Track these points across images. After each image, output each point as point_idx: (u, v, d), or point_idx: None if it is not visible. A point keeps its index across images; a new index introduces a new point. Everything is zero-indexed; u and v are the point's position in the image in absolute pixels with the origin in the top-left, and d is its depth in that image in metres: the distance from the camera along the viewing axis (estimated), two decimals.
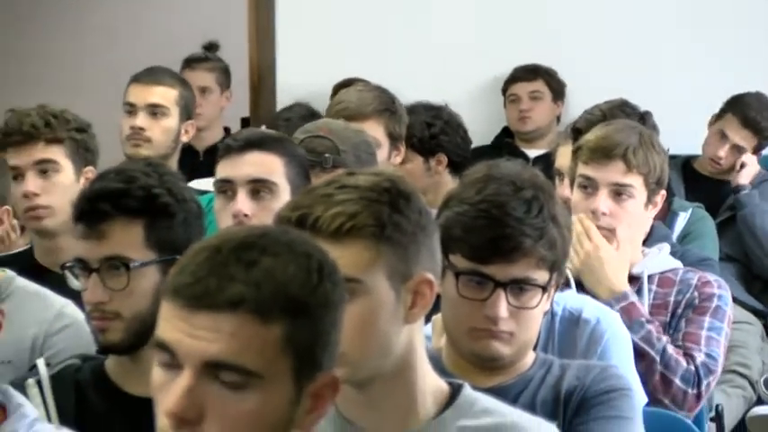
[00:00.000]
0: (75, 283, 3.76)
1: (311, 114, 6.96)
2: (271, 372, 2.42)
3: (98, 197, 3.62)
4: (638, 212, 4.98)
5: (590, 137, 4.99)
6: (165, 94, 6.56)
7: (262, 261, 2.44)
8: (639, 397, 4.14)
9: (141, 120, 6.38)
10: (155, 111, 6.48)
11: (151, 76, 6.66)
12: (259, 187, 4.65)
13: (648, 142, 4.87)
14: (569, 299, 4.32)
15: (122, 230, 3.57)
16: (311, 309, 2.47)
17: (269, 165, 4.72)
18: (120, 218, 3.49)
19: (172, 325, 2.45)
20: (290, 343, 2.43)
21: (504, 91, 8.36)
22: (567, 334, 4.24)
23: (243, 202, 4.61)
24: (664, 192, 5.07)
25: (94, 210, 3.50)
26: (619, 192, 4.88)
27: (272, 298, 2.42)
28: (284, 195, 4.66)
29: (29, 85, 7.83)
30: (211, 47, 8.93)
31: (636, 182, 4.94)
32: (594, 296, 4.44)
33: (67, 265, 3.78)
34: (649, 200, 4.98)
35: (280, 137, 5.08)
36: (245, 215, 4.61)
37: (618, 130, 5.04)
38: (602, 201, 4.74)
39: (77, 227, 3.59)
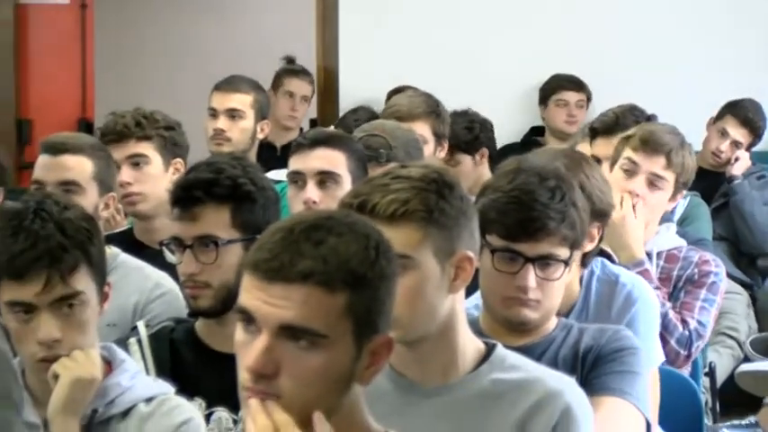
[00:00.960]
0: (171, 257, 3.82)
1: (374, 116, 6.89)
2: (335, 334, 2.44)
3: (192, 185, 3.68)
4: (663, 203, 4.98)
5: (643, 130, 4.99)
6: (242, 100, 6.62)
7: (328, 240, 2.46)
8: (657, 356, 4.23)
9: (222, 122, 6.45)
10: (233, 114, 6.55)
11: (229, 84, 6.72)
12: (325, 178, 4.66)
13: (687, 149, 4.92)
14: (608, 263, 4.33)
15: (212, 213, 3.64)
16: (369, 281, 2.48)
17: (334, 159, 4.74)
18: (211, 203, 3.56)
19: (251, 294, 2.47)
20: (351, 310, 2.45)
21: (546, 96, 8.34)
22: (604, 293, 4.24)
23: (311, 191, 4.65)
24: (685, 192, 5.12)
25: (189, 196, 3.57)
26: (653, 181, 4.89)
27: (336, 271, 2.43)
28: (346, 185, 4.68)
29: (145, 95, 7.84)
30: (290, 60, 8.97)
31: (670, 177, 4.96)
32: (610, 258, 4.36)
33: (165, 242, 3.85)
34: (674, 195, 4.99)
35: (343, 135, 5.12)
36: (314, 202, 4.65)
37: (667, 131, 5.04)
38: (639, 185, 4.75)
39: (174, 210, 3.66)
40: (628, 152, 4.83)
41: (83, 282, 3.24)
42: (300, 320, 2.42)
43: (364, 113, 7.08)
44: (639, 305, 4.21)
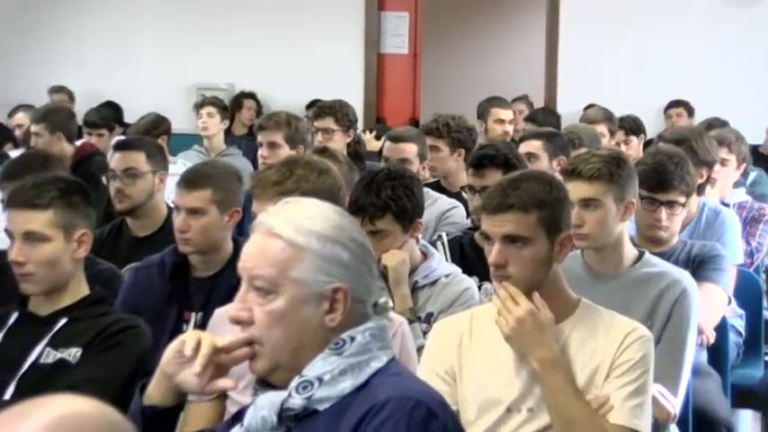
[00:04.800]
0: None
1: None
2: (535, 235, 2.69)
3: None
4: (732, 172, 5.24)
5: (715, 133, 4.88)
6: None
7: (522, 185, 2.73)
8: (737, 259, 4.54)
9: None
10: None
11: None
12: (532, 160, 5.00)
13: (741, 140, 5.03)
14: (708, 202, 4.60)
15: None
16: (549, 204, 2.71)
17: (536, 146, 5.14)
18: None
19: (486, 222, 2.72)
20: (541, 220, 2.69)
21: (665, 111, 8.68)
22: (709, 220, 4.53)
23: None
24: (745, 164, 5.27)
25: None
26: (723, 162, 5.02)
27: (529, 200, 2.69)
28: (543, 162, 5.03)
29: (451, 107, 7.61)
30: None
31: (732, 158, 5.21)
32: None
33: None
34: (738, 167, 5.31)
35: (550, 133, 5.43)
36: None
37: (729, 131, 5.13)
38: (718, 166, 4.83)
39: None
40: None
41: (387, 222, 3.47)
42: (518, 231, 2.69)
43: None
44: (729, 228, 4.53)
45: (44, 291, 3.11)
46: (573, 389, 2.67)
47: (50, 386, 2.87)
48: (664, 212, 3.89)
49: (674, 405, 3.22)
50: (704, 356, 4.04)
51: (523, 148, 5.17)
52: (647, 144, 6.84)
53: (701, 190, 4.51)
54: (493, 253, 2.69)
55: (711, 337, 4.03)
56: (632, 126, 7.12)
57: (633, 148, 6.90)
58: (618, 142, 6.79)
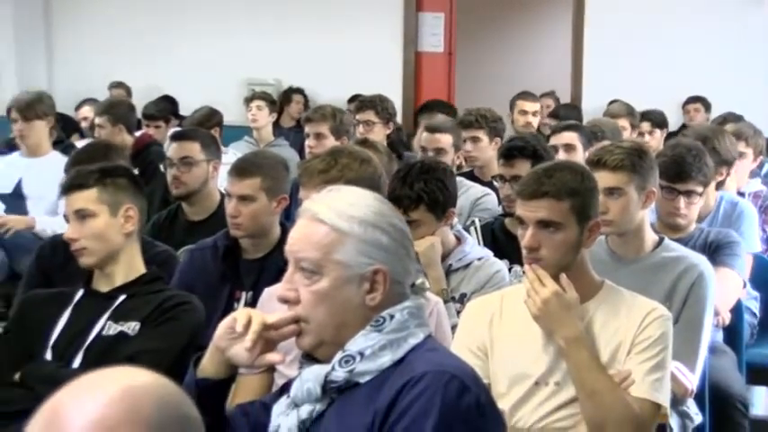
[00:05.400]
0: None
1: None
2: (566, 221, 2.71)
3: None
4: (748, 163, 5.11)
5: (733, 128, 4.69)
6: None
7: (555, 174, 2.74)
8: (752, 247, 4.47)
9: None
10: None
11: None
12: (569, 150, 5.14)
13: (758, 134, 4.72)
14: (726, 194, 4.53)
15: None
16: (580, 192, 2.73)
17: (573, 138, 5.23)
18: None
19: (521, 208, 2.72)
20: (573, 208, 2.70)
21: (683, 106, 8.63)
22: (727, 212, 4.48)
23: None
24: (761, 156, 5.17)
25: None
26: (741, 155, 4.90)
27: (563, 189, 2.71)
28: (580, 152, 5.08)
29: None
30: None
31: (749, 150, 5.08)
32: None
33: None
34: (755, 158, 5.18)
35: (577, 125, 5.49)
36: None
37: (747, 126, 4.92)
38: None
39: None
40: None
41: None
42: (551, 217, 2.70)
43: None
44: (747, 219, 4.49)
45: (97, 262, 3.19)
46: (596, 364, 2.68)
47: (112, 356, 2.95)
48: (682, 201, 3.88)
49: (692, 381, 3.23)
50: (720, 336, 4.03)
51: (561, 139, 5.21)
52: (669, 137, 6.92)
53: (719, 186, 4.50)
54: (527, 237, 2.70)
55: (727, 318, 4.02)
56: (658, 120, 7.23)
57: (656, 140, 6.96)
58: (642, 132, 6.89)
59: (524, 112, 7.36)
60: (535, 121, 7.42)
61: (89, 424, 1.16)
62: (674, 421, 3.17)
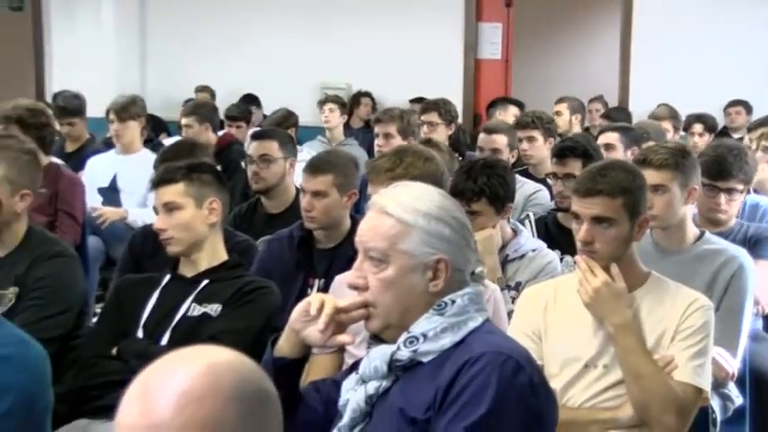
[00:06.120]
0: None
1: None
2: (619, 217, 2.70)
3: None
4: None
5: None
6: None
7: (609, 173, 2.73)
8: None
9: None
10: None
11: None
12: (609, 150, 5.02)
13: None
14: (748, 198, 4.32)
15: None
16: (632, 191, 2.72)
17: (613, 138, 5.18)
18: None
19: (577, 204, 2.72)
20: (625, 205, 2.69)
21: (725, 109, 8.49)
22: (752, 212, 4.42)
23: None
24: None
25: None
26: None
27: (616, 187, 2.70)
28: (619, 151, 5.00)
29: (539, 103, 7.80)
30: None
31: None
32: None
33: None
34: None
35: (625, 127, 5.39)
36: None
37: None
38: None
39: None
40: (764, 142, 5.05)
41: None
42: (605, 213, 2.70)
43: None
44: None
45: (183, 251, 3.23)
46: (643, 349, 2.67)
47: (196, 335, 2.99)
48: (723, 198, 3.84)
49: (732, 365, 3.19)
50: (760, 324, 3.97)
51: (602, 139, 5.18)
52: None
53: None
54: (582, 231, 2.70)
55: (767, 307, 3.94)
56: (710, 123, 7.17)
57: (704, 142, 6.86)
58: (693, 133, 6.89)
59: (557, 113, 7.36)
60: (566, 121, 7.41)
61: (176, 395, 1.19)
62: (715, 403, 3.16)
